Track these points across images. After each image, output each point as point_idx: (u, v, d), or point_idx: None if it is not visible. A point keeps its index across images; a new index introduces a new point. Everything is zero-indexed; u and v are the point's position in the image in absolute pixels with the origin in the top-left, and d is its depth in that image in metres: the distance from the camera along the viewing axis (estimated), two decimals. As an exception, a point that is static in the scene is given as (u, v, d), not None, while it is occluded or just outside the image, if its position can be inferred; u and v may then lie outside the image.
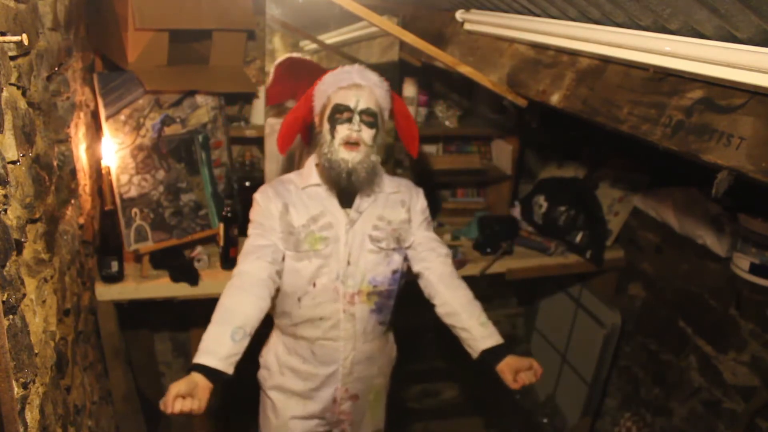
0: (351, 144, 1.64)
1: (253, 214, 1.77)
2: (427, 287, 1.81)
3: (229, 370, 1.51)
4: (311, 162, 1.78)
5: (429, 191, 2.90)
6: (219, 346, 1.51)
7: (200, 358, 1.49)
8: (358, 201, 1.74)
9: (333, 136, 1.65)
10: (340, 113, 1.65)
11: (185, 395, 1.42)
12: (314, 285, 1.72)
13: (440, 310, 1.78)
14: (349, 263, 1.72)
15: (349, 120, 1.64)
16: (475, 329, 1.71)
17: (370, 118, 1.65)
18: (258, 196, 1.77)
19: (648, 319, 2.70)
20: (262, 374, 1.92)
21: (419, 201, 1.86)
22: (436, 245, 1.84)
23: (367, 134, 1.65)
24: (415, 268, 1.83)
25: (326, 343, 1.78)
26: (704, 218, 2.29)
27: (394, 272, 1.78)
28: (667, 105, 1.26)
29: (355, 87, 1.66)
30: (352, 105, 1.64)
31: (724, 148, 1.11)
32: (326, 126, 1.67)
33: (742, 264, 2.08)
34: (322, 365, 1.80)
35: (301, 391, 1.84)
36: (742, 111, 1.09)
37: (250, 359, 1.69)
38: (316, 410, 1.86)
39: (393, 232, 1.78)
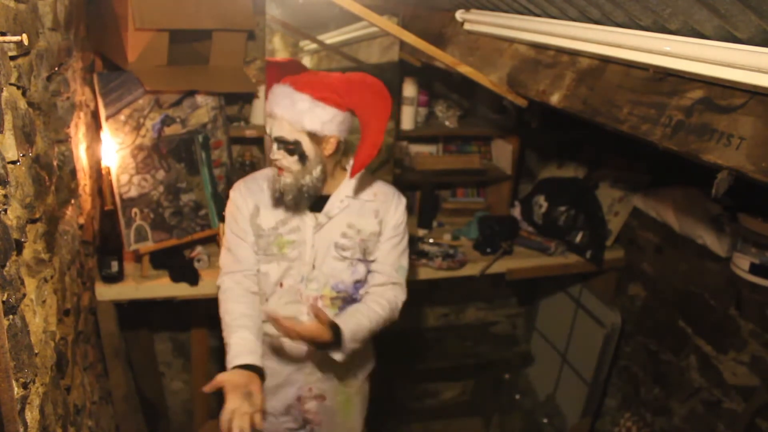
0: (278, 167, 1.64)
1: (228, 211, 1.77)
2: None
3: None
4: None
5: (429, 191, 2.94)
6: (255, 346, 1.64)
7: (244, 359, 1.59)
8: (329, 206, 1.72)
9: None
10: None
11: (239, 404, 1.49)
12: (281, 285, 1.75)
13: None
14: (313, 267, 1.72)
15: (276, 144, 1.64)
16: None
17: (289, 145, 1.60)
18: (232, 194, 1.77)
19: (648, 319, 2.70)
20: None
21: (395, 215, 1.76)
22: (389, 271, 1.77)
23: (287, 161, 1.61)
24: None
25: (290, 342, 1.76)
26: (704, 218, 2.29)
27: (357, 282, 1.77)
28: (667, 105, 1.26)
29: (270, 116, 1.63)
30: (268, 131, 1.64)
31: (724, 148, 1.10)
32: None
33: (742, 264, 2.08)
34: (285, 363, 1.82)
35: (265, 386, 1.81)
36: (742, 111, 1.09)
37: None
38: (280, 407, 1.87)
39: (361, 243, 1.73)
